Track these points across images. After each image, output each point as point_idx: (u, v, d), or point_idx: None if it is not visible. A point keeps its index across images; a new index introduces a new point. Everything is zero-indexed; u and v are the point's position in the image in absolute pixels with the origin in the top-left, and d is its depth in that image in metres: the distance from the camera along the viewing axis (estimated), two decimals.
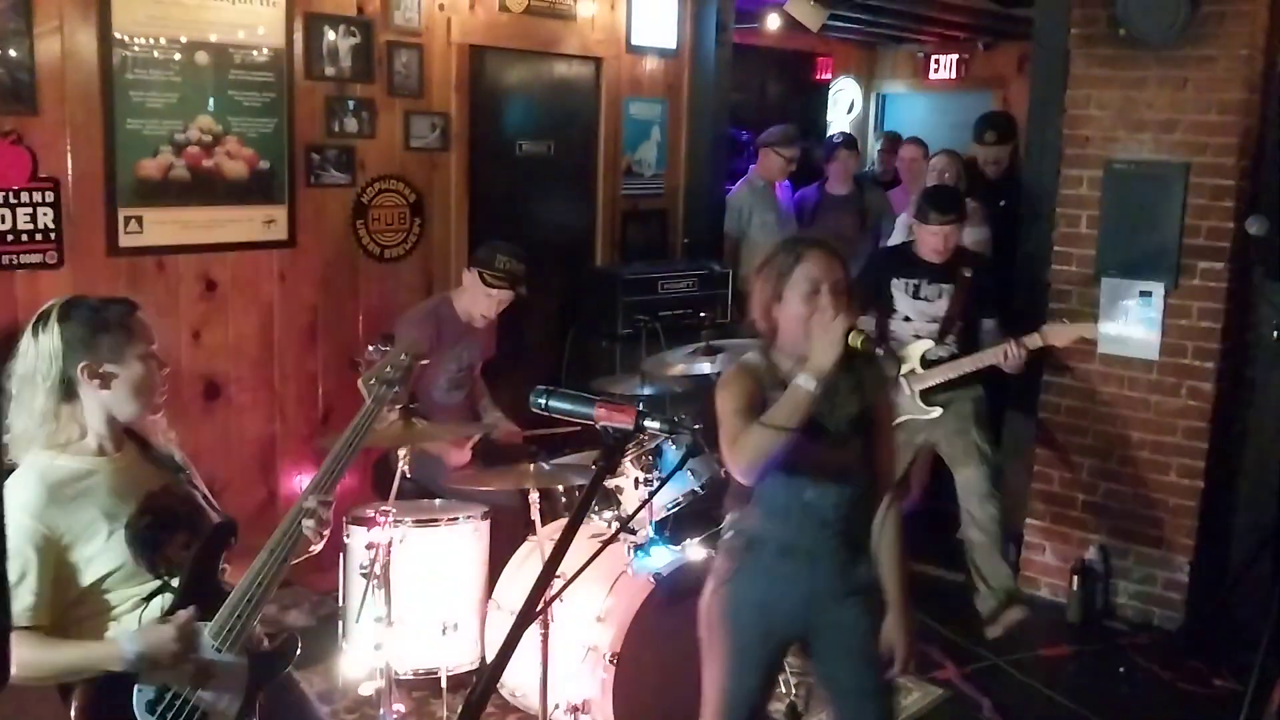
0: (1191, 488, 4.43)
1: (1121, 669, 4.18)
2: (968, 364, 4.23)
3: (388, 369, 2.51)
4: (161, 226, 3.93)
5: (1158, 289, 4.43)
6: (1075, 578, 4.57)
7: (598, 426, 1.53)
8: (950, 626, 4.32)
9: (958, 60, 9.14)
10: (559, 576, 2.79)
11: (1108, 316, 4.52)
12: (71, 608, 2.18)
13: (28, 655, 2.07)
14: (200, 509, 2.35)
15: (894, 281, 4.34)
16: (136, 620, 2.19)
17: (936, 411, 4.28)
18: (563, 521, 3.66)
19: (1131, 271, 4.49)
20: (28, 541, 2.11)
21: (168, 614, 2.19)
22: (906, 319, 4.36)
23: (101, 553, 2.17)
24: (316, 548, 2.35)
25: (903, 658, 2.53)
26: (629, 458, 3.49)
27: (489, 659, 3.55)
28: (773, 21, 6.75)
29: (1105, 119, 4.52)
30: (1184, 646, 4.31)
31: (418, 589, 3.38)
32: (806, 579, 2.49)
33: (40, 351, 2.19)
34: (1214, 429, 4.40)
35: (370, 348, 2.76)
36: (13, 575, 2.08)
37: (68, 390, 2.20)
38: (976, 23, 7.89)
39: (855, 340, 2.30)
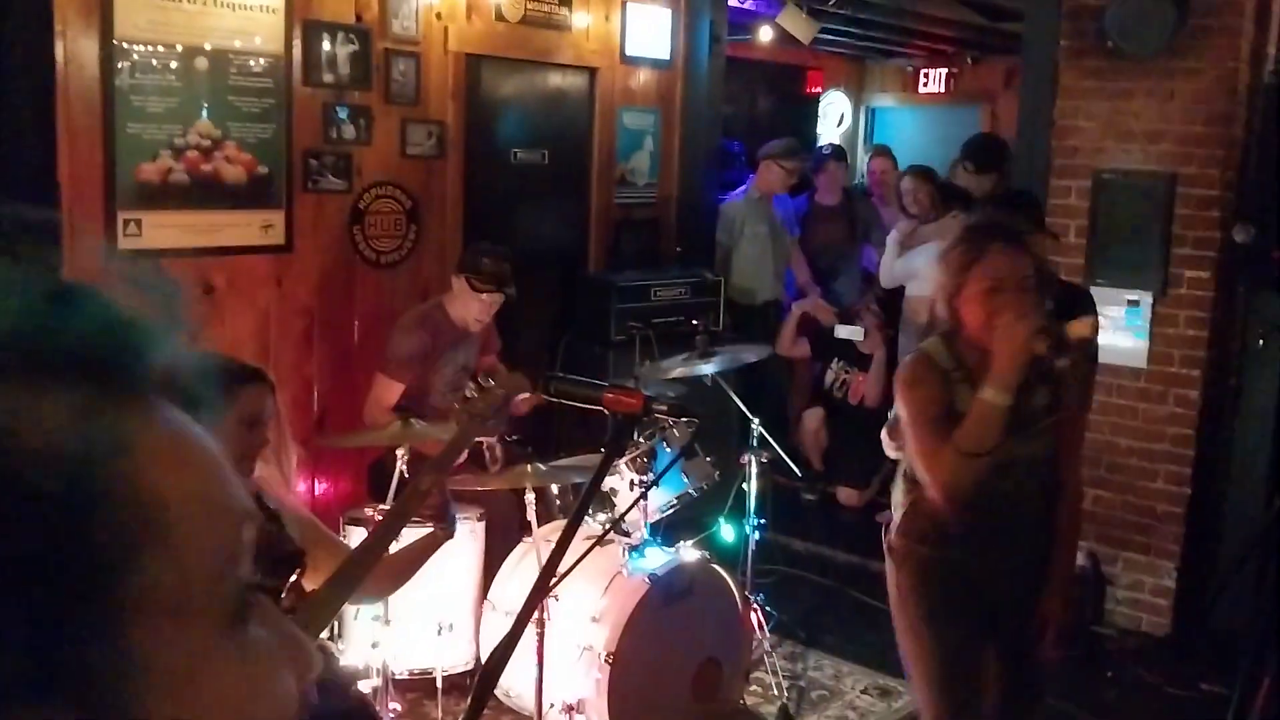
0: (1179, 494, 4.49)
1: (1110, 674, 4.23)
2: None
3: (481, 404, 2.48)
4: (160, 230, 3.96)
5: (1146, 298, 4.49)
6: None
7: (606, 412, 1.56)
8: None
9: (946, 74, 9.25)
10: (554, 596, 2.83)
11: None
12: None
13: None
14: (271, 548, 2.40)
15: None
16: None
17: None
18: (559, 523, 3.68)
19: (1120, 280, 4.55)
20: None
21: None
22: None
23: None
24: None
25: (1049, 632, 2.52)
26: (625, 460, 3.52)
27: (484, 660, 3.57)
28: (765, 34, 6.82)
29: (1093, 130, 4.59)
30: (1172, 651, 4.36)
31: (413, 589, 3.39)
32: (1000, 565, 2.43)
33: None
34: (1200, 437, 4.45)
35: (469, 385, 2.78)
36: None
37: None
38: (964, 37, 7.99)
39: (1040, 347, 2.24)
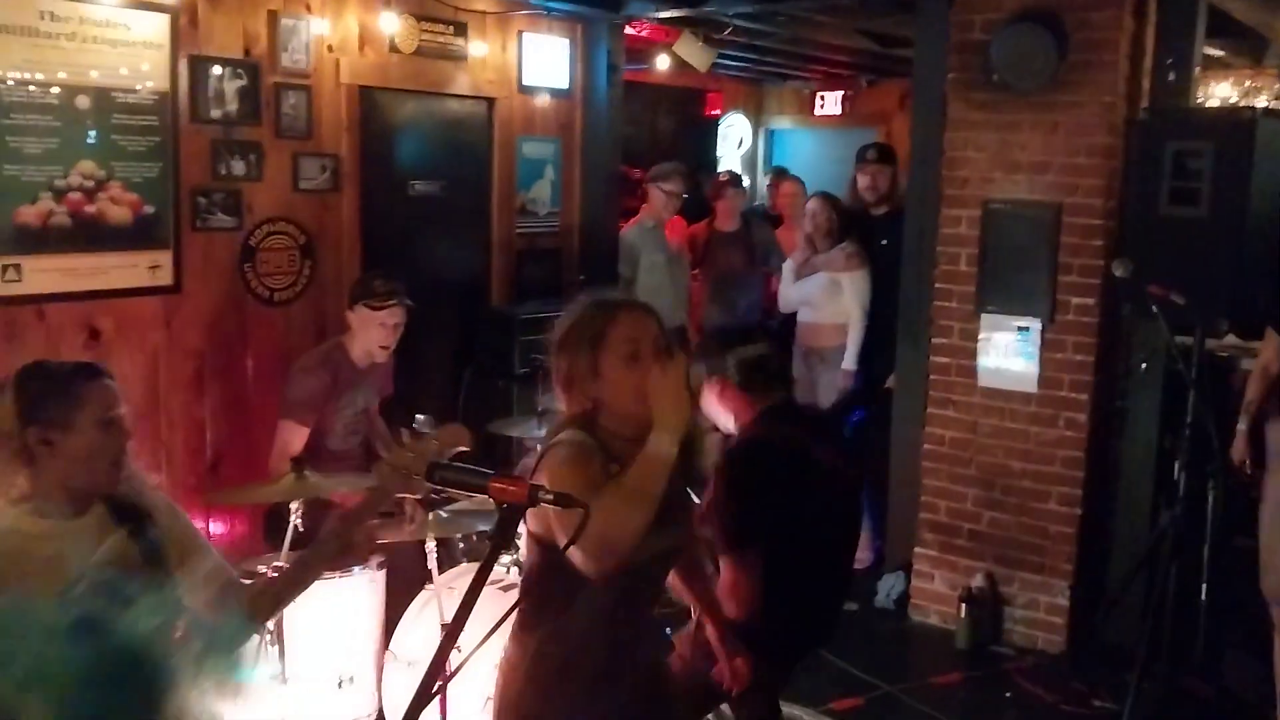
0: (1070, 515, 4.61)
1: (1008, 694, 4.32)
2: None
3: (409, 458, 2.25)
4: (42, 274, 3.82)
5: (1035, 324, 4.61)
6: (963, 605, 4.70)
7: (491, 502, 1.54)
8: (844, 657, 4.40)
9: (842, 97, 9.42)
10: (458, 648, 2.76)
11: (986, 351, 4.71)
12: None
13: None
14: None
15: None
16: None
17: None
18: (461, 568, 3.64)
19: (1009, 307, 4.66)
20: None
21: None
22: None
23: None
24: None
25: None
26: None
27: (386, 711, 3.51)
28: (662, 62, 6.86)
29: (982, 160, 4.70)
30: (1066, 669, 4.48)
31: (313, 643, 3.32)
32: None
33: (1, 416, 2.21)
34: (1089, 458, 4.59)
35: (406, 430, 2.56)
36: None
37: (28, 455, 2.19)
38: (859, 61, 8.14)
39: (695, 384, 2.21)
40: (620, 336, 2.13)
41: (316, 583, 2.99)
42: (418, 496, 2.68)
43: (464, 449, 2.32)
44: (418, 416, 3.94)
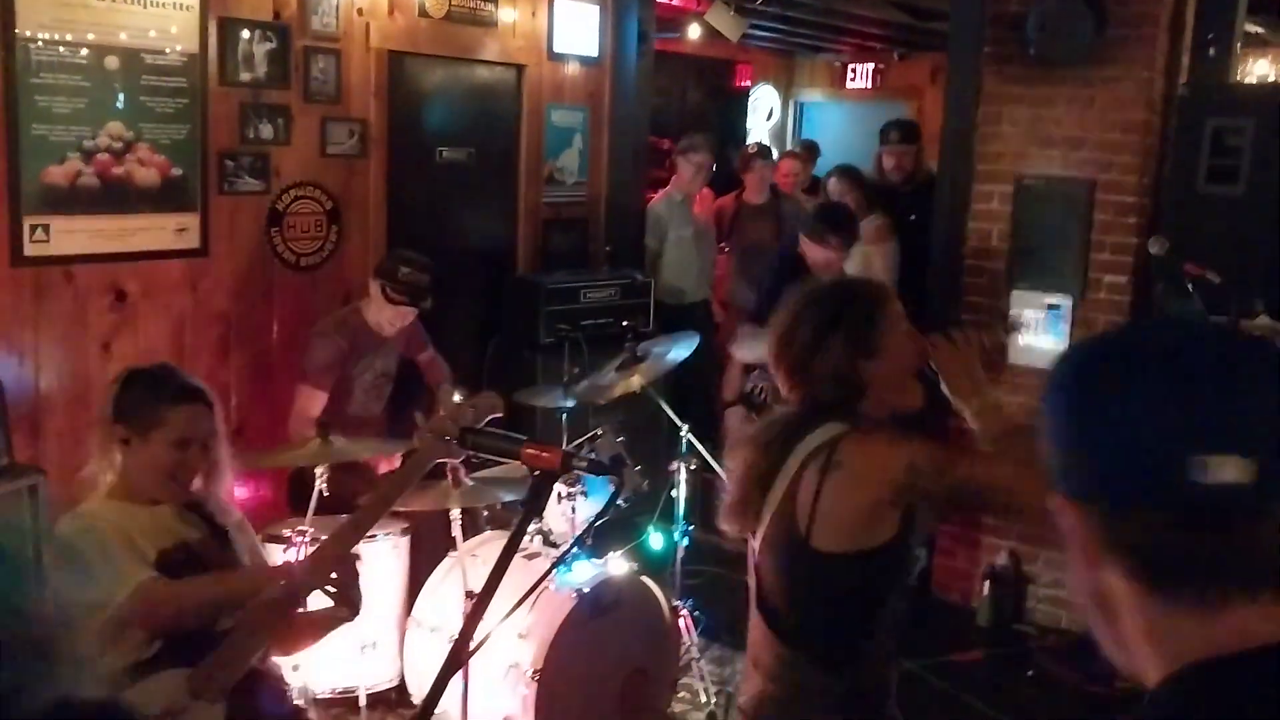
0: None
1: (1030, 672, 4.31)
2: None
3: (449, 423, 2.25)
4: (69, 235, 3.82)
5: (1066, 301, 4.57)
6: (986, 583, 4.68)
7: (524, 467, 1.52)
8: None
9: (873, 70, 9.32)
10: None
11: (1018, 327, 4.66)
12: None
13: None
14: (222, 567, 2.45)
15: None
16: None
17: None
18: (484, 536, 3.65)
19: (1041, 284, 4.62)
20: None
21: (155, 660, 2.26)
22: None
23: (106, 590, 2.25)
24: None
25: None
26: None
27: (408, 676, 3.52)
28: (694, 30, 6.79)
29: (1016, 136, 4.64)
30: (1090, 648, 4.41)
31: None
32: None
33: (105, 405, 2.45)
34: None
35: (451, 396, 2.66)
36: None
37: (113, 444, 2.42)
38: (891, 34, 8.04)
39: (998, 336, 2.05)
40: (896, 312, 2.08)
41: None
42: (458, 460, 2.78)
43: (499, 415, 2.41)
44: (445, 386, 3.95)
